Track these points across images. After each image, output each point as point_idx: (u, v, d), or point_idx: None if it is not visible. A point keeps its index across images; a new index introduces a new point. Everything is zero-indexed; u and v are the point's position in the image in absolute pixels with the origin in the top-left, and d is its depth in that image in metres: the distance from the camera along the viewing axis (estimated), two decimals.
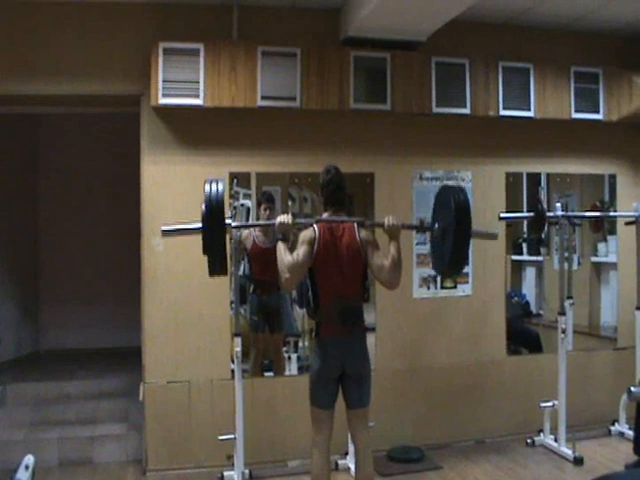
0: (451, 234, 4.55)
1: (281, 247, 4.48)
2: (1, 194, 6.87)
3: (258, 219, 6.41)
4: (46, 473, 5.92)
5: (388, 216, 4.65)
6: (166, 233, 4.90)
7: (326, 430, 4.65)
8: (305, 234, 4.60)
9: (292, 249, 4.53)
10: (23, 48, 5.98)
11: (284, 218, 4.54)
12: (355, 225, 4.67)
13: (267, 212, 6.33)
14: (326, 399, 4.61)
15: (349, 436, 4.96)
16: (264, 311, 6.62)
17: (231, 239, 5.73)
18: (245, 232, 6.42)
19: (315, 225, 4.63)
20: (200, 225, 4.45)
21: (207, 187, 4.46)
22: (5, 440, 6.26)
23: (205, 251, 4.43)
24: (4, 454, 5.96)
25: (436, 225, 4.81)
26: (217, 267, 4.49)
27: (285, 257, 4.43)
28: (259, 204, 6.43)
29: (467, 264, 6.42)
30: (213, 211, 4.42)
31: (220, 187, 4.47)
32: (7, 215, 7.18)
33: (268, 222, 5.75)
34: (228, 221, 4.64)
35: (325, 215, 4.75)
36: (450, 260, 4.63)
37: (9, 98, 6.19)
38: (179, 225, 4.82)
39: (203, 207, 4.43)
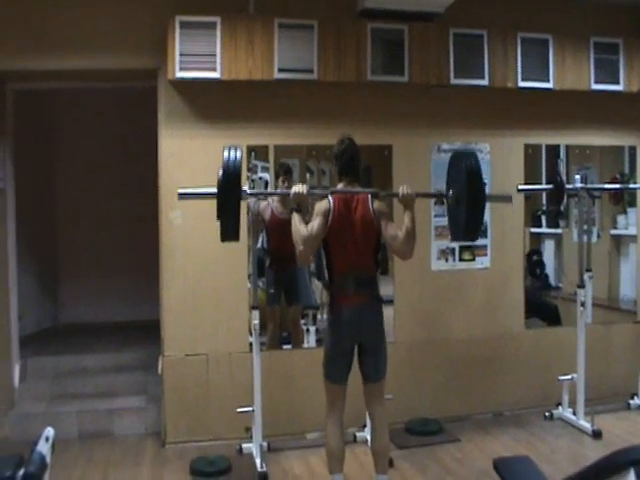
0: (464, 198, 4.55)
1: (296, 218, 4.48)
2: (18, 170, 6.88)
3: None
4: (66, 445, 5.95)
5: (402, 185, 4.62)
6: (182, 196, 4.96)
7: (339, 403, 4.65)
8: (320, 205, 4.59)
9: (308, 221, 4.53)
10: (38, 22, 5.95)
11: (299, 188, 4.53)
12: (369, 196, 4.65)
13: (285, 184, 6.33)
14: (339, 374, 4.61)
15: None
16: (282, 284, 6.66)
17: (248, 211, 5.73)
18: (263, 203, 6.44)
19: (330, 196, 4.62)
20: (216, 190, 4.46)
21: (225, 153, 4.47)
22: (26, 412, 6.34)
23: (219, 215, 4.44)
24: (25, 426, 6.04)
25: (450, 192, 4.80)
26: (230, 232, 4.49)
27: (300, 229, 4.43)
28: (277, 176, 6.44)
29: (483, 229, 6.38)
30: (229, 175, 4.42)
31: (238, 154, 4.48)
32: (25, 191, 7.20)
33: (283, 191, 5.75)
34: (244, 188, 4.66)
35: (340, 186, 4.73)
36: (466, 224, 4.63)
37: (24, 74, 6.19)
38: (195, 189, 4.89)
39: (220, 172, 4.44)
